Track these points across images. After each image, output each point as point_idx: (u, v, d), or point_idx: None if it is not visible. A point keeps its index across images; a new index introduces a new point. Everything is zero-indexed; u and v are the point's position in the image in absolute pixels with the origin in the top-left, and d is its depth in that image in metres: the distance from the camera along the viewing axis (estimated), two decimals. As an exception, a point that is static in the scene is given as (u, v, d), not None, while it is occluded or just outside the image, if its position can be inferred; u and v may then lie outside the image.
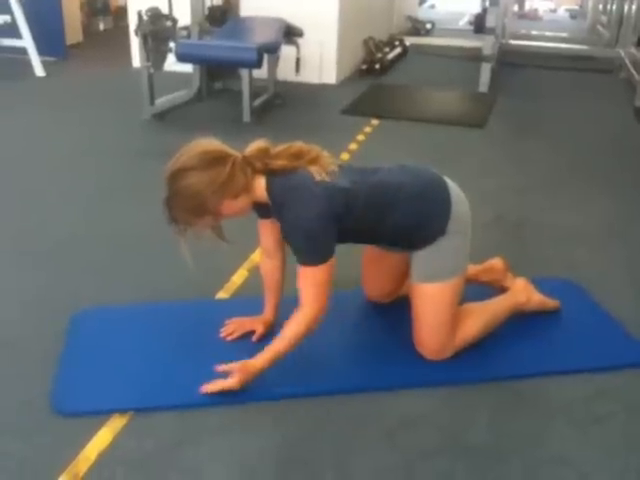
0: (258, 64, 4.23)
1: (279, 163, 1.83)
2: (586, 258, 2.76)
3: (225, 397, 1.85)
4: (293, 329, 1.85)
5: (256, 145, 1.85)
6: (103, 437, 1.71)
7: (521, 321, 2.22)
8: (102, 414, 1.79)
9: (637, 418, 1.86)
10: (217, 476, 1.62)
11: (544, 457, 1.70)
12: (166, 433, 1.75)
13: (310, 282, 1.83)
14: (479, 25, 8.70)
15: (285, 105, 5.06)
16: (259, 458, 1.68)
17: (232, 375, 1.84)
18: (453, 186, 1.98)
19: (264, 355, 1.85)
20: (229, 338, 2.11)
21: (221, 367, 1.85)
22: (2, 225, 2.93)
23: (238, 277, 2.51)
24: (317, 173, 1.81)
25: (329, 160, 1.88)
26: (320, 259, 1.81)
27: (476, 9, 10.33)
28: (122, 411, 1.80)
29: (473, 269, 2.28)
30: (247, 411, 1.83)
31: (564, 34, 9.38)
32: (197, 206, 1.78)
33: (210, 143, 1.82)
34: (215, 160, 1.77)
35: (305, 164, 1.84)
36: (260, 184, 1.84)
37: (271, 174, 1.84)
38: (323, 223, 1.79)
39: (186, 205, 1.78)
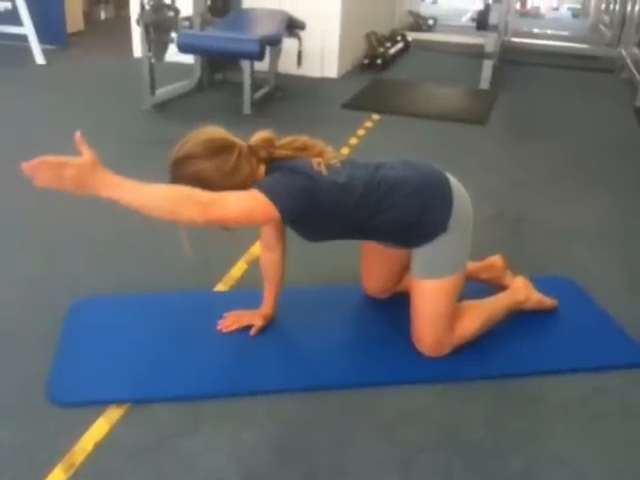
0: (260, 56, 4.22)
1: (283, 152, 1.83)
2: (585, 256, 2.76)
3: (226, 387, 1.86)
4: (178, 196, 1.61)
5: (261, 135, 1.84)
6: (100, 427, 1.70)
7: (519, 319, 2.22)
8: (99, 404, 1.78)
9: (633, 418, 1.86)
10: (213, 467, 1.62)
11: (541, 455, 1.71)
12: (163, 424, 1.74)
13: (246, 200, 1.70)
14: (481, 22, 8.68)
15: (286, 98, 5.05)
16: (255, 450, 1.68)
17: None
18: (455, 182, 1.98)
19: (123, 181, 1.59)
20: (226, 331, 2.11)
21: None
22: (2, 210, 2.92)
23: (237, 270, 2.50)
24: (316, 163, 1.80)
25: (332, 155, 1.87)
26: (276, 197, 1.70)
27: (479, 6, 10.33)
28: (119, 402, 1.80)
29: (473, 266, 2.27)
30: (243, 403, 1.83)
31: (566, 33, 9.38)
32: (200, 194, 1.77)
33: (217, 131, 1.81)
34: (221, 149, 1.76)
35: (308, 157, 1.83)
36: (261, 172, 1.84)
37: (272, 162, 1.84)
38: (301, 191, 1.75)
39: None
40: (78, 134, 1.57)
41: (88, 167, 1.56)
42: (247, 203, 1.71)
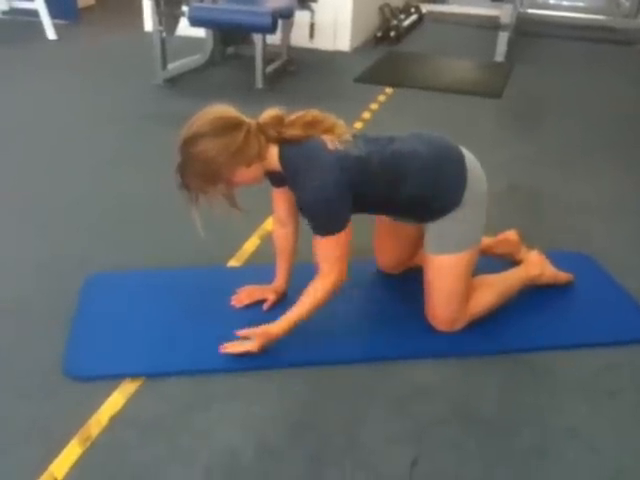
0: (272, 29, 4.18)
1: (293, 133, 1.80)
2: (600, 231, 2.74)
3: (239, 362, 1.87)
4: (312, 297, 1.86)
5: (270, 113, 1.82)
6: (115, 401, 1.72)
7: (534, 294, 2.21)
8: (114, 378, 1.80)
9: (648, 393, 1.86)
10: (228, 440, 1.63)
11: (554, 429, 1.71)
12: (177, 398, 1.76)
13: (329, 252, 1.83)
14: (497, -7, 8.54)
15: (298, 72, 5.01)
16: (269, 423, 1.69)
17: (253, 339, 1.88)
18: (469, 156, 1.96)
19: (282, 323, 1.88)
20: (239, 305, 2.12)
21: (242, 332, 1.90)
22: (15, 189, 2.93)
23: (250, 245, 2.51)
24: (330, 142, 1.79)
25: (344, 129, 1.85)
26: (339, 227, 1.80)
27: (494, -24, 10.15)
28: (133, 376, 1.81)
29: (487, 241, 2.26)
30: (258, 377, 1.84)
31: (582, 4, 9.19)
32: (210, 173, 1.77)
33: (225, 109, 1.79)
34: (229, 127, 1.75)
35: (319, 133, 1.82)
36: (273, 153, 1.82)
37: (284, 143, 1.82)
38: (339, 191, 1.77)
39: (199, 172, 1.77)
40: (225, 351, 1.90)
41: (263, 339, 1.89)
42: (340, 248, 1.83)
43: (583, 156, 3.60)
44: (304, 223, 1.88)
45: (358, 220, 2.02)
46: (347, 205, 1.82)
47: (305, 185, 1.78)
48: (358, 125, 3.83)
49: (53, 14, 5.72)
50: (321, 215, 1.80)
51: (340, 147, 1.79)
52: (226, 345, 1.90)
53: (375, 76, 5.03)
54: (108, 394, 1.75)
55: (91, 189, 2.95)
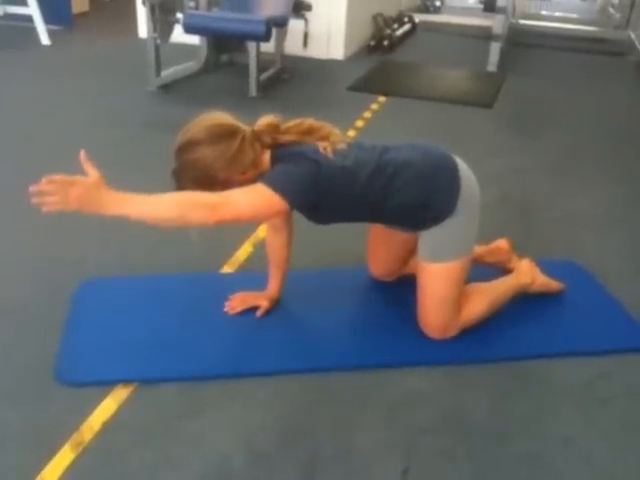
0: (266, 37, 4.20)
1: (287, 138, 1.82)
2: (591, 241, 2.76)
3: (232, 368, 1.88)
4: (184, 203, 1.63)
5: (266, 120, 1.83)
6: (107, 407, 1.72)
7: (525, 302, 2.22)
8: (106, 384, 1.80)
9: (638, 401, 1.87)
10: (219, 447, 1.63)
11: (545, 438, 1.72)
12: (170, 404, 1.76)
13: (251, 197, 1.70)
14: (489, 3, 8.59)
15: (292, 80, 5.03)
16: (260, 430, 1.69)
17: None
18: (463, 166, 1.97)
19: (128, 197, 1.59)
20: (232, 312, 2.12)
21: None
22: (11, 193, 2.92)
23: (243, 252, 2.51)
24: (323, 148, 1.80)
25: (339, 138, 1.86)
26: (282, 189, 1.70)
27: (486, -13, 10.21)
28: (126, 382, 1.81)
29: (478, 250, 2.27)
30: (249, 384, 1.84)
31: (574, 15, 9.26)
32: (205, 179, 1.77)
33: (221, 116, 1.81)
34: (225, 134, 1.76)
35: (314, 141, 1.83)
36: (266, 158, 1.83)
37: (278, 147, 1.83)
38: (312, 178, 1.76)
39: (194, 178, 1.77)
40: (83, 153, 1.59)
41: (94, 186, 1.58)
42: (254, 199, 1.72)
43: (575, 166, 3.62)
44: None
45: (353, 227, 2.03)
46: (301, 191, 1.75)
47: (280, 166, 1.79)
48: (352, 133, 3.84)
49: (47, 20, 5.72)
50: (281, 173, 1.76)
51: (330, 155, 1.80)
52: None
53: (368, 85, 5.06)
54: (100, 400, 1.74)
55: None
